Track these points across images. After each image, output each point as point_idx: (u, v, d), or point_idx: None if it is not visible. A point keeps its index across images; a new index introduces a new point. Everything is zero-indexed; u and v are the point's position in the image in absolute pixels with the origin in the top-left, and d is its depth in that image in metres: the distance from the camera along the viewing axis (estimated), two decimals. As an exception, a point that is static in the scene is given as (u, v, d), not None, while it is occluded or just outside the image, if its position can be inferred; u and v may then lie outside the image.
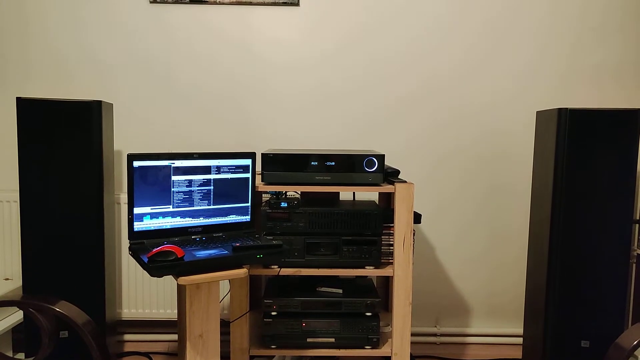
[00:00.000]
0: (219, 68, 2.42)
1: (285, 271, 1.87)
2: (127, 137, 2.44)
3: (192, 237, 1.64)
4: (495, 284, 2.54)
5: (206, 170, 1.66)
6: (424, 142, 2.47)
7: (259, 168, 2.17)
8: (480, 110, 2.45)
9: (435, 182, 2.49)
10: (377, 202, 2.21)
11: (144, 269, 1.39)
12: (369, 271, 1.88)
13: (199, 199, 1.65)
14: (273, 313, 1.92)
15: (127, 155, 1.52)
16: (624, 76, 2.43)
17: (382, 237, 1.89)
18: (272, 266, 1.87)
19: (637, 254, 2.29)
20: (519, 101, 2.45)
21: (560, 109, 1.86)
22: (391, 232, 1.89)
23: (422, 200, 2.50)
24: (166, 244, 1.47)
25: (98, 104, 1.98)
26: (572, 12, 2.41)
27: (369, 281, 2.15)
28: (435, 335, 2.53)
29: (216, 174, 1.68)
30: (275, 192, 1.99)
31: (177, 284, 1.75)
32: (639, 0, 2.39)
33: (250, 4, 2.38)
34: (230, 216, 1.72)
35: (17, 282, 2.26)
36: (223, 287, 2.33)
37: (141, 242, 1.54)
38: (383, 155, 1.85)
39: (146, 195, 1.55)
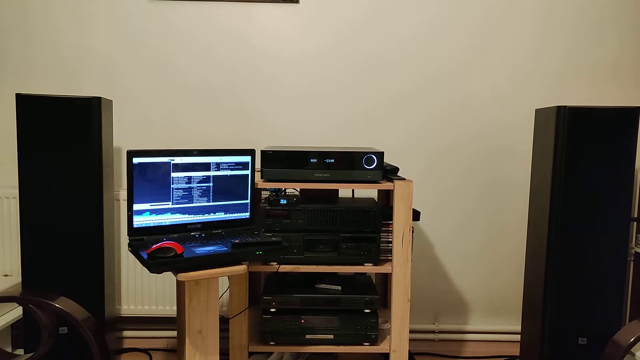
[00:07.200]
0: (219, 64, 2.42)
1: (285, 268, 1.87)
2: (127, 133, 2.44)
3: (192, 233, 1.64)
4: (494, 281, 2.55)
5: (206, 167, 1.66)
6: (422, 137, 2.47)
7: (258, 165, 2.18)
8: (478, 106, 2.46)
9: (433, 178, 2.50)
10: (376, 200, 2.22)
11: (144, 265, 1.40)
12: (368, 268, 1.89)
13: (198, 195, 1.65)
14: (272, 310, 1.92)
15: (127, 151, 1.52)
16: (621, 74, 2.43)
17: (381, 234, 1.90)
18: (271, 263, 1.88)
19: (635, 251, 2.29)
20: (517, 97, 2.45)
21: (559, 107, 1.87)
22: (390, 229, 1.90)
23: (420, 196, 2.51)
24: (165, 240, 1.47)
25: (97, 100, 1.98)
26: (570, 10, 2.41)
27: (368, 278, 2.15)
28: (433, 332, 2.54)
29: (215, 170, 1.68)
30: (275, 189, 1.99)
31: (177, 280, 1.75)
32: (639, -2, 2.40)
33: (251, 1, 2.37)
34: (230, 213, 1.72)
35: (16, 278, 2.27)
36: (222, 283, 2.34)
37: (140, 239, 1.55)
38: (382, 153, 1.86)
39: (145, 191, 1.56)
